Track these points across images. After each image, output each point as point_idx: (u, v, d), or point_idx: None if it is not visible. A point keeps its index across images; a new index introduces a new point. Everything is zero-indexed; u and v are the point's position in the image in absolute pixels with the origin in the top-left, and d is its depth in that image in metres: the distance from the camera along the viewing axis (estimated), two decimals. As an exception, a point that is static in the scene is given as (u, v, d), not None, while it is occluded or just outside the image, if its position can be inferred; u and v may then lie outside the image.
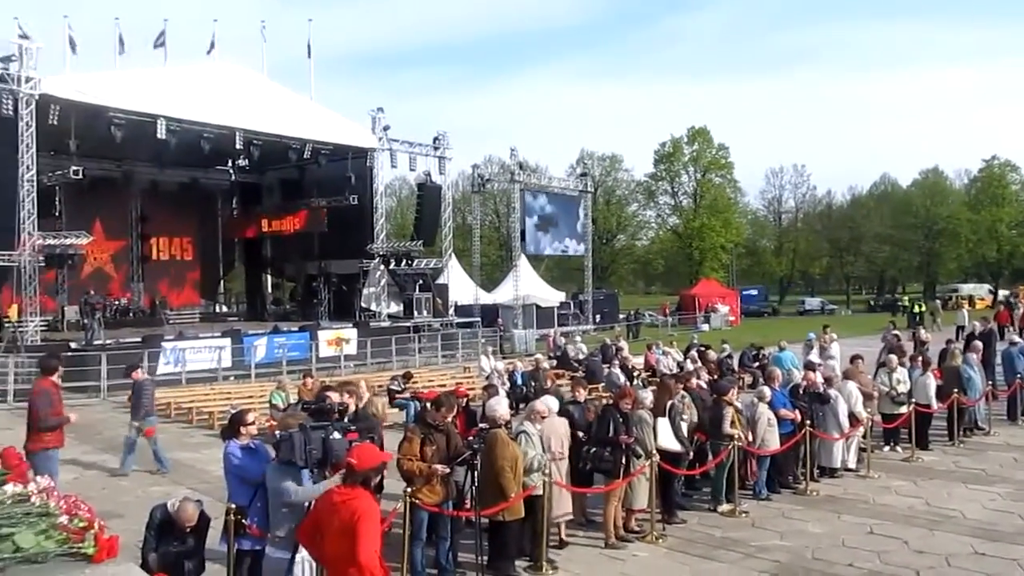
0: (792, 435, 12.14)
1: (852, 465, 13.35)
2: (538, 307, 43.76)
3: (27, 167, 26.13)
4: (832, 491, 12.20)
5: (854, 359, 15.45)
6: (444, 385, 21.85)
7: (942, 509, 11.07)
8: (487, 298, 45.28)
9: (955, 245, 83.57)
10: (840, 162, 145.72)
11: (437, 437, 8.09)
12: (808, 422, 12.18)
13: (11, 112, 25.47)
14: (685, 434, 10.87)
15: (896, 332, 24.32)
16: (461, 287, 43.04)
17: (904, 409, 14.64)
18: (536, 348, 35.47)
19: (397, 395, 18.48)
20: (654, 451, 9.98)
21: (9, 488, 3.09)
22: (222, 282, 45.03)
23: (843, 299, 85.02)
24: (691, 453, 11.06)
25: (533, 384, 18.91)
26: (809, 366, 14.69)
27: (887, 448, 14.79)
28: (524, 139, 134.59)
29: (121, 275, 38.34)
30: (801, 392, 12.90)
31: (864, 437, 13.62)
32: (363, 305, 36.90)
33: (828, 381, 13.36)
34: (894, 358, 15.70)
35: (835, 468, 13.02)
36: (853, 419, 13.25)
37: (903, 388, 15.04)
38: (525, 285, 44.53)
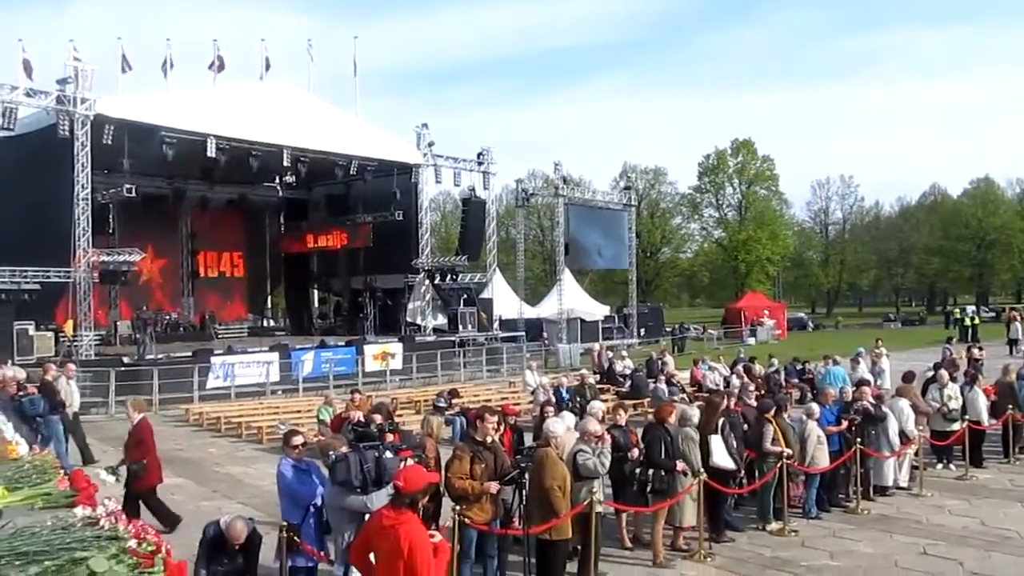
0: (841, 453, 12.01)
1: (904, 484, 13.16)
2: (582, 321, 43.66)
3: (82, 186, 26.77)
4: (884, 510, 12.03)
5: (906, 376, 15.23)
6: (490, 400, 21.92)
7: (998, 529, 10.87)
8: (531, 312, 45.30)
9: (1008, 256, 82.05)
10: (888, 172, 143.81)
11: (486, 455, 8.14)
12: (858, 440, 12.04)
13: (67, 133, 26.10)
14: (736, 450, 10.80)
15: (950, 347, 23.97)
16: (505, 301, 43.11)
17: (957, 426, 14.41)
18: (581, 362, 35.40)
19: (444, 411, 18.55)
20: (700, 469, 9.94)
21: (79, 511, 3.15)
22: (269, 297, 45.58)
23: (894, 312, 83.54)
24: (742, 470, 11.00)
25: (579, 400, 18.84)
26: (861, 382, 14.51)
27: (940, 466, 14.53)
28: (568, 153, 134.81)
29: (171, 290, 39.01)
30: (852, 409, 12.74)
31: (916, 455, 13.41)
32: (408, 320, 37.13)
33: (879, 399, 13.19)
34: (945, 374, 15.44)
35: (886, 487, 12.84)
36: (904, 437, 13.05)
37: (955, 404, 14.80)
38: (569, 299, 44.48)
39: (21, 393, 12.22)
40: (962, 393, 15.16)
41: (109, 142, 27.07)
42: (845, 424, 12.28)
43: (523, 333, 39.37)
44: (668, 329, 53.00)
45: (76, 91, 26.19)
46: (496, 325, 38.98)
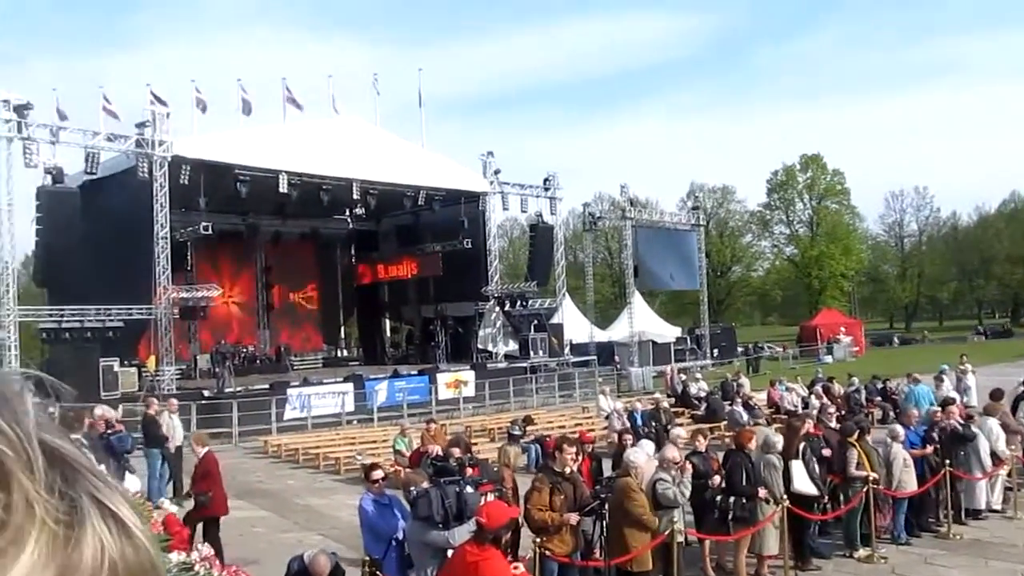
0: (927, 475, 11.64)
1: (997, 506, 12.69)
2: (654, 343, 43.25)
3: (161, 225, 27.61)
4: (977, 534, 11.61)
5: (994, 393, 14.73)
6: (564, 427, 21.83)
7: (1101, 554, 10.40)
8: (602, 335, 45.02)
9: (1096, 263, 79.10)
10: (964, 181, 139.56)
11: (565, 486, 8.09)
12: (947, 461, 11.66)
13: (146, 174, 27.00)
14: (818, 475, 10.56)
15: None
16: (576, 325, 42.96)
17: (1051, 445, 13.84)
18: (654, 385, 35.08)
19: (519, 439, 18.51)
20: (783, 496, 9.74)
21: (174, 556, 3.18)
22: (342, 328, 46.21)
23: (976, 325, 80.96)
24: (825, 496, 10.73)
25: (654, 424, 18.67)
26: (947, 401, 14.08)
27: (1035, 487, 13.97)
28: (634, 175, 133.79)
29: (248, 323, 39.83)
30: (938, 429, 12.35)
31: (1009, 476, 12.93)
32: (480, 347, 37.25)
33: (968, 418, 12.78)
34: (1037, 390, 14.91)
35: (979, 510, 12.39)
36: (996, 457, 12.60)
37: (1048, 422, 14.24)
38: (640, 321, 44.14)
39: (110, 431, 12.57)
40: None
41: (186, 182, 27.92)
42: (930, 449, 11.90)
43: (595, 357, 39.21)
44: (741, 349, 52.20)
45: (154, 134, 27.13)
46: (567, 350, 38.87)
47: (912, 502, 11.50)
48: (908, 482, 11.32)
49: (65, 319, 26.25)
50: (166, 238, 27.82)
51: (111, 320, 26.59)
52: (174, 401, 18.50)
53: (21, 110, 24.64)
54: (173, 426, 16.53)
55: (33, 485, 0.57)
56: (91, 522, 0.58)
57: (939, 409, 13.18)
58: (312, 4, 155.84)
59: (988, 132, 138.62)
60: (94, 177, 26.87)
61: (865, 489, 10.62)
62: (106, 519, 0.59)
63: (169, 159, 27.39)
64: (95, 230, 26.64)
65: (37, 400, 0.63)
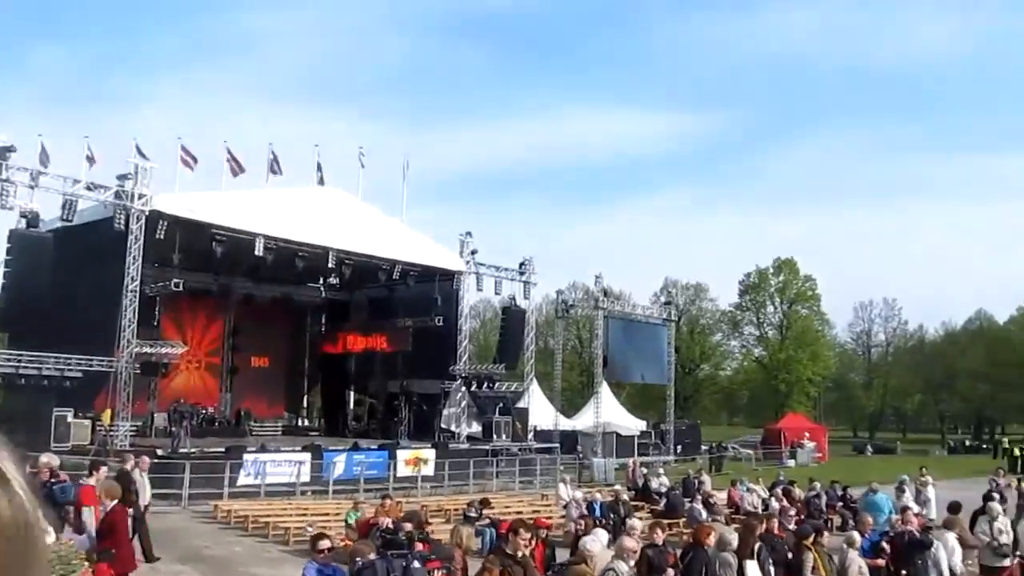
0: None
1: (953, 621, 12.54)
2: (618, 435, 43.11)
3: (132, 278, 27.36)
4: (931, 649, 11.44)
5: (952, 506, 14.70)
6: (522, 512, 21.47)
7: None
8: (567, 424, 44.83)
9: (1059, 385, 79.98)
10: (932, 296, 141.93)
11: (516, 569, 7.92)
12: (903, 572, 11.56)
13: (122, 226, 26.86)
14: (772, 577, 10.43)
15: (997, 478, 23.21)
16: (541, 412, 42.78)
17: (1007, 562, 13.79)
18: (615, 477, 34.77)
19: (475, 521, 18.19)
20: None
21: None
22: (306, 397, 45.69)
23: (938, 438, 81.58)
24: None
25: (612, 516, 18.45)
26: (905, 510, 14.04)
27: (991, 604, 13.85)
28: (609, 266, 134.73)
29: (210, 384, 39.27)
30: (896, 534, 12.28)
31: (966, 591, 12.82)
32: (443, 426, 36.89)
33: (926, 529, 12.72)
34: (996, 506, 14.86)
35: (935, 624, 12.24)
36: (952, 573, 12.50)
37: (1006, 539, 14.18)
38: (606, 412, 44.02)
39: (53, 480, 12.20)
40: (1013, 527, 14.57)
41: (162, 237, 27.80)
42: (882, 562, 11.80)
43: (558, 445, 38.88)
44: (705, 447, 52.04)
45: (135, 187, 27.11)
46: (531, 436, 38.58)
47: (867, 611, 11.35)
48: (863, 590, 11.18)
49: (23, 366, 25.70)
50: (135, 291, 27.53)
51: (70, 370, 26.08)
52: (147, 459, 18.01)
53: (3, 152, 24.54)
54: (143, 484, 16.09)
55: None
56: None
57: (899, 516, 13.13)
58: (304, 77, 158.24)
59: (957, 251, 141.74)
60: (70, 224, 26.69)
61: (820, 595, 10.49)
62: None
63: (147, 213, 27.30)
64: (64, 278, 26.34)
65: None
